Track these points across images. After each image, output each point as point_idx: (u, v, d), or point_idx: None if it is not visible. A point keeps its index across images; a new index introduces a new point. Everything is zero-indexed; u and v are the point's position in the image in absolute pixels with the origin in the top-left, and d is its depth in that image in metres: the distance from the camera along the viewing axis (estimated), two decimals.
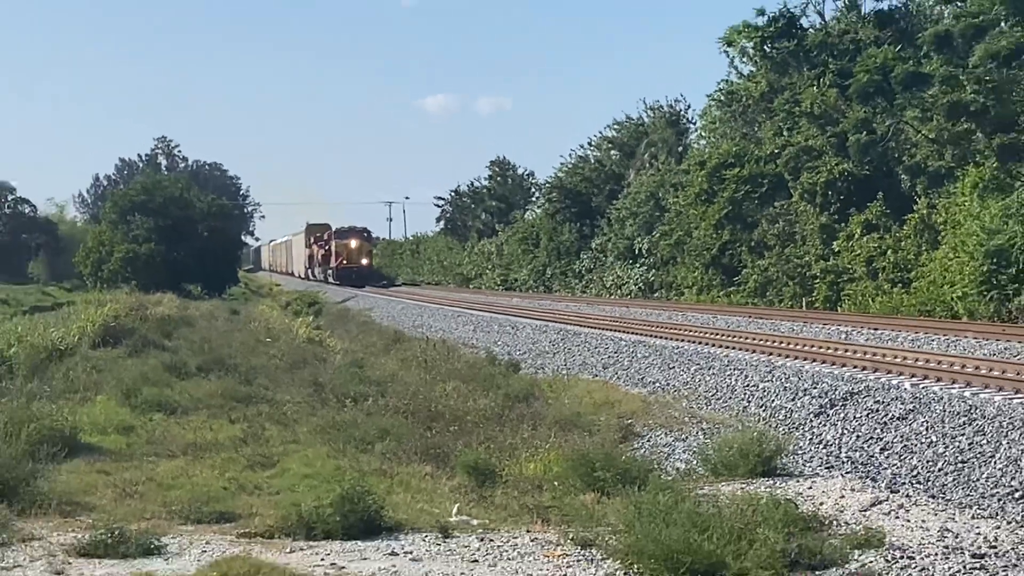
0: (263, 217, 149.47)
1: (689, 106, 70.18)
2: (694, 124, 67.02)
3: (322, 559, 12.09)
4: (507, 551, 12.51)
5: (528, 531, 13.48)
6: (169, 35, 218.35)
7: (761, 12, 51.46)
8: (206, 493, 15.23)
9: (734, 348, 28.11)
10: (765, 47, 52.28)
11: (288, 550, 12.50)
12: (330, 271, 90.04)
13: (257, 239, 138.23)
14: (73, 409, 20.73)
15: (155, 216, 70.87)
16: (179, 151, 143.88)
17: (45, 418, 18.58)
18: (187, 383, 25.85)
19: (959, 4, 42.63)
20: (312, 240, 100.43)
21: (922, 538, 12.35)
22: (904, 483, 15.87)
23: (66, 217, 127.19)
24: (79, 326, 36.44)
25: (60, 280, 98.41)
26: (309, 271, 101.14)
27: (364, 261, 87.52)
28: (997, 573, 11.02)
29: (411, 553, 12.47)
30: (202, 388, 24.98)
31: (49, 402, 21.44)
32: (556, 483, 15.62)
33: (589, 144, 78.90)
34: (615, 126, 75.60)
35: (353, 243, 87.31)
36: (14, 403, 20.58)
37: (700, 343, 30.23)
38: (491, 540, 12.99)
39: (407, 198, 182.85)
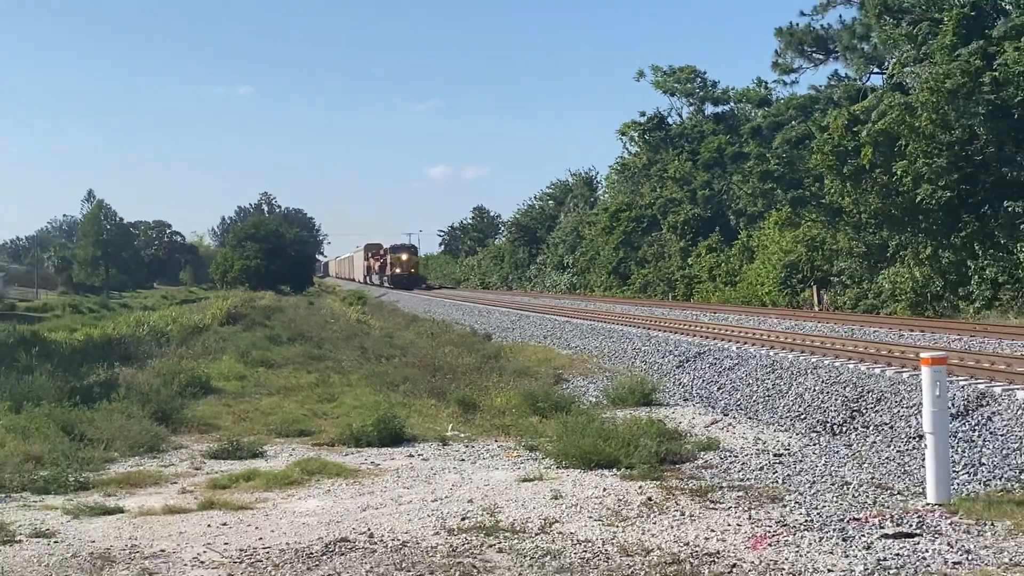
0: (329, 243, 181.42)
1: (598, 172, 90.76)
2: (601, 184, 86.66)
3: (365, 459, 14.48)
4: (483, 453, 14.96)
5: (496, 441, 16.00)
6: (276, 128, 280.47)
7: (643, 114, 68.57)
8: (292, 418, 18.07)
9: (626, 325, 34.28)
10: (645, 136, 68.81)
11: (344, 454, 14.96)
12: (386, 277, 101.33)
13: (324, 256, 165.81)
14: (207, 365, 25.19)
15: (260, 243, 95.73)
16: (276, 200, 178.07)
17: (189, 370, 22.72)
18: (280, 348, 30.64)
19: (766, 108, 54.36)
20: (369, 255, 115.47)
21: (743, 444, 15.01)
22: (732, 410, 18.50)
23: (203, 243, 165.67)
24: (211, 312, 45.48)
25: (200, 283, 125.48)
26: (367, 278, 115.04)
27: (412, 270, 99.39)
28: (789, 464, 13.30)
29: (422, 455, 14.91)
30: (289, 351, 29.65)
31: (192, 360, 25.71)
32: (513, 410, 18.33)
33: (535, 197, 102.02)
34: (551, 186, 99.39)
35: (404, 256, 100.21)
36: (170, 361, 24.84)
37: (604, 322, 36.38)
38: (473, 446, 15.59)
39: (420, 230, 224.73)
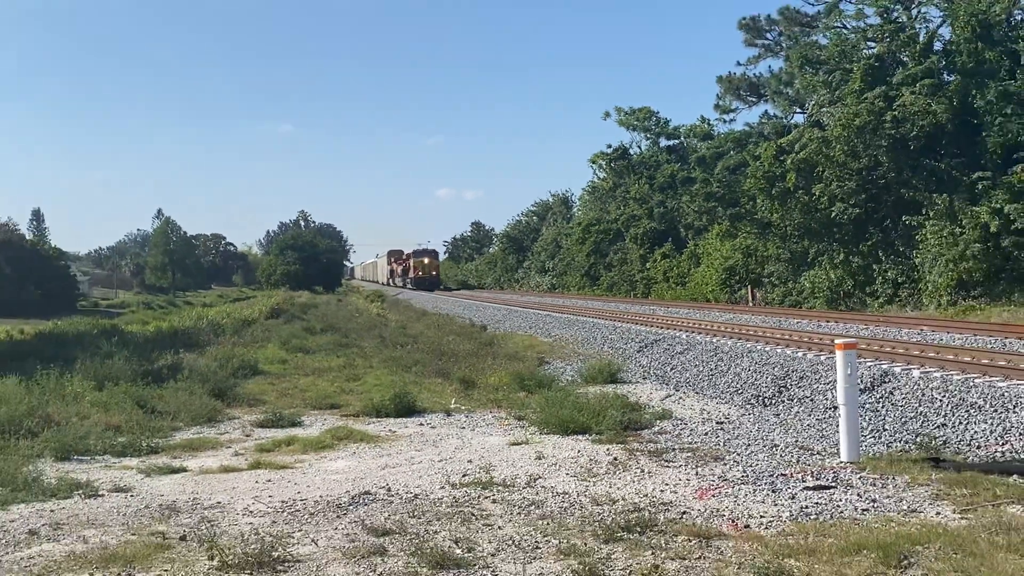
0: (355, 251, 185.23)
1: (573, 193, 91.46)
2: (575, 203, 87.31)
3: (384, 427, 14.49)
4: (480, 422, 14.91)
5: (491, 412, 15.85)
6: (311, 157, 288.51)
7: (609, 146, 69.09)
8: (324, 394, 18.17)
9: (596, 318, 33.99)
10: (611, 164, 69.14)
11: (367, 423, 14.96)
12: (408, 280, 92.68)
13: (350, 262, 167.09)
14: (255, 351, 25.11)
15: (298, 251, 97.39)
16: (311, 216, 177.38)
17: (240, 356, 22.77)
18: (314, 337, 30.11)
19: (709, 141, 54.05)
20: (391, 260, 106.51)
21: (691, 414, 15.06)
22: (682, 386, 18.40)
23: (251, 251, 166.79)
24: (258, 308, 45.50)
25: (249, 285, 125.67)
26: (390, 280, 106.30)
27: (432, 273, 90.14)
28: (728, 430, 13.35)
29: (430, 423, 14.91)
30: (322, 340, 29.19)
31: (242, 347, 25.67)
32: (505, 387, 18.23)
33: (522, 214, 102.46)
34: (535, 204, 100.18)
35: (425, 260, 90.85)
36: (225, 348, 24.94)
37: (578, 315, 35.99)
38: (472, 416, 15.52)
39: (429, 241, 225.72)
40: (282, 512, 9.10)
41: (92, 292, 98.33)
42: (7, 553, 7.92)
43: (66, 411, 14.63)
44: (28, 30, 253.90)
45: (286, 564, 7.28)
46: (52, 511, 9.40)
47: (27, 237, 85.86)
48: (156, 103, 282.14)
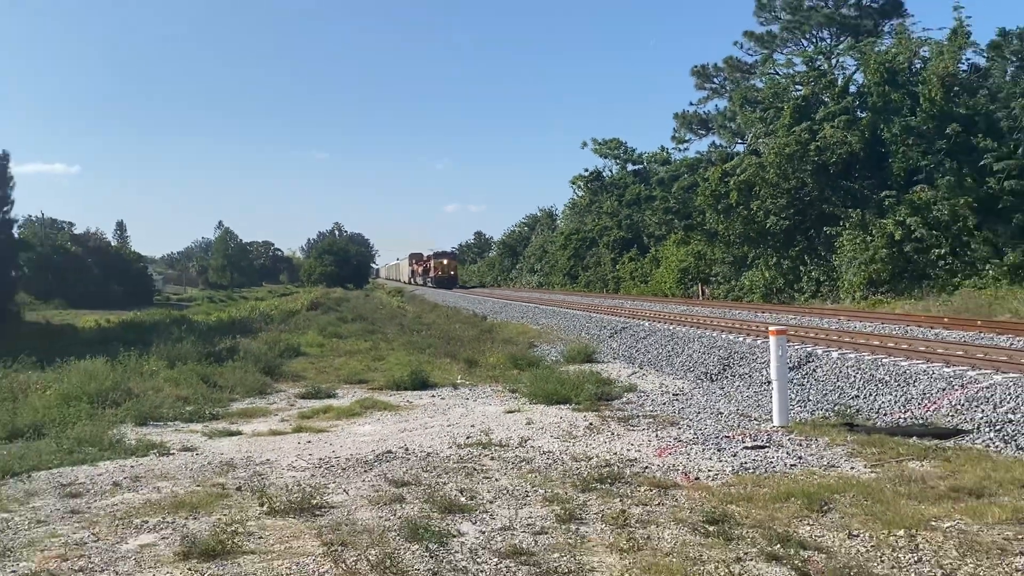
0: (380, 255, 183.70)
1: (557, 208, 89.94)
2: (559, 216, 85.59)
3: (403, 398, 14.43)
4: (480, 394, 14.80)
5: (490, 386, 15.73)
6: (343, 177, 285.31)
7: (586, 170, 68.67)
8: (354, 371, 17.87)
9: (575, 310, 33.54)
10: (588, 184, 67.99)
11: (389, 395, 14.85)
12: (429, 279, 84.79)
13: (376, 264, 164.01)
14: (298, 336, 24.68)
15: (333, 255, 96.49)
16: (344, 227, 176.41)
17: (286, 340, 22.46)
18: (346, 325, 29.71)
19: (667, 166, 53.60)
20: (413, 261, 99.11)
21: (652, 387, 14.94)
22: (645, 365, 18.29)
23: (295, 255, 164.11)
24: (301, 302, 44.60)
25: (293, 283, 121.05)
26: (411, 279, 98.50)
27: (452, 273, 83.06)
28: (682, 400, 13.22)
29: (440, 395, 14.81)
30: (352, 327, 28.83)
31: (287, 333, 25.37)
32: (501, 366, 17.98)
33: (515, 225, 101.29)
34: (526, 217, 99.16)
35: (444, 261, 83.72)
36: (273, 334, 24.78)
37: (561, 308, 35.70)
38: (474, 390, 15.39)
39: (453, 247, 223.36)
40: (319, 468, 9.09)
41: (165, 289, 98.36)
42: (96, 500, 7.95)
43: (144, 385, 14.66)
44: (97, 72, 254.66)
45: (323, 509, 7.29)
46: (132, 467, 9.42)
47: (112, 243, 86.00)
48: (217, 134, 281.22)
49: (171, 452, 10.21)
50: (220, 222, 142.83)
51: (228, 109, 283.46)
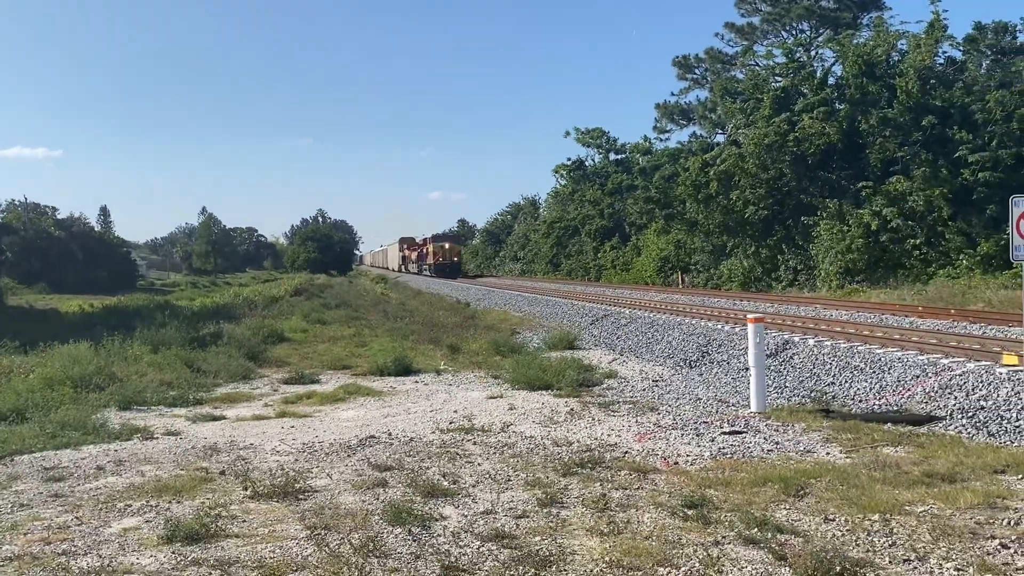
0: (363, 242, 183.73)
1: (540, 197, 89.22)
2: (542, 204, 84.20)
3: (386, 384, 14.29)
4: (463, 380, 14.75)
5: (473, 372, 15.69)
6: (327, 164, 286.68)
7: (569, 159, 67.25)
8: (338, 357, 17.71)
9: (557, 297, 33.29)
10: (570, 173, 66.73)
11: (372, 380, 14.67)
12: (426, 266, 73.06)
13: (359, 251, 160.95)
14: (281, 322, 24.45)
15: (317, 242, 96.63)
16: (327, 213, 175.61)
17: (270, 326, 22.25)
18: (330, 311, 29.67)
19: (649, 156, 53.45)
20: (404, 246, 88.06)
21: (632, 374, 14.98)
22: (626, 352, 18.31)
23: (279, 242, 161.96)
24: (284, 288, 44.35)
25: (277, 269, 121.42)
26: (402, 267, 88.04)
27: (454, 259, 71.09)
28: (662, 387, 13.29)
29: (423, 381, 14.69)
30: (336, 314, 28.82)
31: (271, 319, 25.26)
32: (484, 352, 18.06)
33: (499, 213, 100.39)
34: (509, 206, 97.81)
35: (446, 245, 71.01)
36: (257, 319, 24.69)
37: (543, 295, 35.43)
38: (457, 375, 15.33)
39: (452, 229, 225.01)
40: (303, 452, 9.06)
41: (149, 274, 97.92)
42: (79, 484, 7.89)
43: (127, 370, 14.58)
44: (80, 58, 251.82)
45: (306, 493, 7.26)
46: (116, 451, 9.37)
47: (96, 228, 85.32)
48: (201, 119, 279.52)
49: (155, 436, 10.14)
50: (204, 208, 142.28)
51: (212, 95, 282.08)
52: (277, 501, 7.02)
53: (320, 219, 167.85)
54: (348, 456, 8.77)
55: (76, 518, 6.76)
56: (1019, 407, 9.64)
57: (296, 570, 5.43)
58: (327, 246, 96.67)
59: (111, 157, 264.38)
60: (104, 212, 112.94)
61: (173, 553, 5.83)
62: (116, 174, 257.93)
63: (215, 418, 11.43)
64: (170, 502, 7.15)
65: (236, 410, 12.12)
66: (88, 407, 11.60)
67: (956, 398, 10.51)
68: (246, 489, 7.31)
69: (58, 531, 6.42)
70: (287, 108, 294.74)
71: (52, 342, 16.82)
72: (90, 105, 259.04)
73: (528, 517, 6.46)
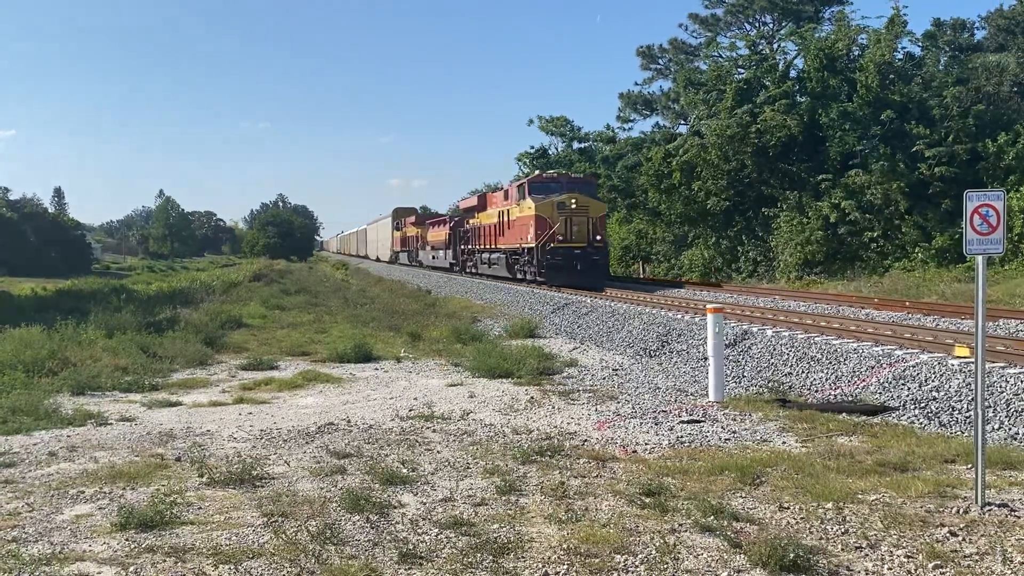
0: (324, 228, 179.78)
1: (502, 184, 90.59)
2: None
3: (345, 371, 14.23)
4: (424, 367, 14.75)
5: (433, 360, 15.61)
6: (287, 149, 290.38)
7: (532, 147, 65.45)
8: (297, 343, 17.63)
9: (519, 285, 31.68)
10: (533, 162, 64.44)
11: (331, 367, 14.63)
12: (499, 258, 53.00)
13: (320, 237, 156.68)
14: (240, 308, 24.28)
15: (277, 227, 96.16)
16: (287, 198, 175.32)
17: (228, 311, 22.13)
18: (289, 297, 29.56)
19: (612, 145, 53.57)
20: (404, 222, 65.27)
21: (592, 362, 15.04)
22: (586, 341, 18.29)
23: (238, 226, 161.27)
24: (243, 273, 44.00)
25: (235, 254, 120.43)
26: (400, 256, 66.11)
27: (597, 238, 56.83)
28: (622, 376, 13.37)
29: (383, 368, 14.66)
30: (295, 300, 28.60)
31: (229, 304, 25.00)
32: (445, 340, 17.94)
33: (461, 199, 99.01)
34: (470, 193, 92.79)
35: (574, 203, 55.38)
36: (215, 305, 24.37)
37: (504, 283, 33.87)
38: (417, 363, 15.28)
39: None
40: (260, 439, 9.02)
41: (104, 257, 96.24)
42: (31, 470, 7.78)
43: (81, 354, 14.39)
44: (36, 36, 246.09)
45: (263, 480, 7.22)
46: (69, 436, 9.26)
47: (49, 210, 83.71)
48: (159, 100, 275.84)
49: (109, 422, 10.04)
50: (161, 191, 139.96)
51: (170, 76, 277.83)
52: (234, 488, 6.97)
53: (280, 204, 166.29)
54: (306, 443, 8.73)
55: (27, 504, 6.66)
56: (970, 398, 9.80)
57: (252, 557, 5.39)
58: (287, 231, 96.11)
59: (67, 137, 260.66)
60: (58, 194, 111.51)
61: (127, 540, 5.76)
62: (71, 155, 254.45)
63: (171, 404, 11.32)
64: (124, 489, 7.07)
65: (193, 396, 12.01)
66: (40, 392, 11.46)
67: (909, 389, 10.70)
68: (202, 476, 7.26)
69: (8, 517, 6.32)
70: (247, 92, 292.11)
71: (3, 326, 16.63)
72: (45, 84, 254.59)
73: (487, 504, 6.48)
